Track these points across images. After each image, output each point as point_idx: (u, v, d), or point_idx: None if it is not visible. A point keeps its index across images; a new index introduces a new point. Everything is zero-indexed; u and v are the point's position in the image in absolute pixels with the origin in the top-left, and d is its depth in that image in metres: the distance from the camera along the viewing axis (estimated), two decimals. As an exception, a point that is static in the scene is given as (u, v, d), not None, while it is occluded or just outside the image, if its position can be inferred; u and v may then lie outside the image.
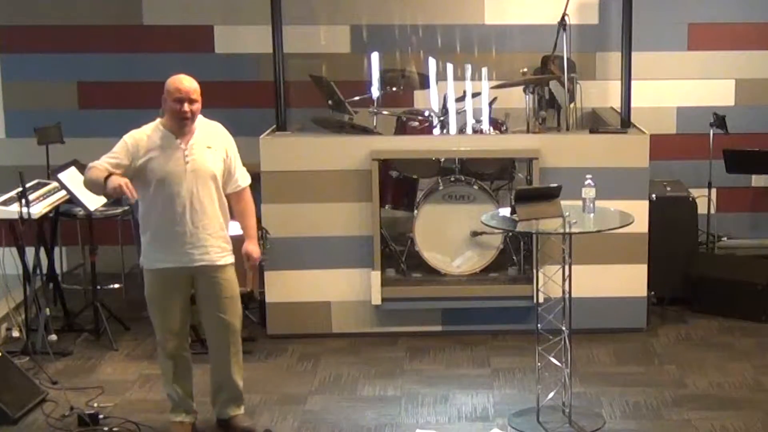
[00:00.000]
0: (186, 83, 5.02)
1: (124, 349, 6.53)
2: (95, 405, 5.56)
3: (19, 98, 8.06)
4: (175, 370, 5.23)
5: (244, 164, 7.67)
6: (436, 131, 6.85)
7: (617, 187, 6.33)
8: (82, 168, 6.64)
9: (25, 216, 6.10)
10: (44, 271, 6.68)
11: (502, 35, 7.97)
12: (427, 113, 6.96)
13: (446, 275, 6.67)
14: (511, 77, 7.25)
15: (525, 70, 7.11)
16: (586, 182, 5.39)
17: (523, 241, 6.77)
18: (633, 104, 6.83)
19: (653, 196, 6.91)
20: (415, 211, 6.71)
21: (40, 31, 8.00)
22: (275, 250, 6.53)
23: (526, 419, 5.38)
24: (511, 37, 7.96)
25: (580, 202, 5.42)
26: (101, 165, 4.98)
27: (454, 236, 6.65)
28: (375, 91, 6.99)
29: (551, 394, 5.36)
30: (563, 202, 5.32)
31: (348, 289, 6.61)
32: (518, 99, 7.13)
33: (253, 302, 6.72)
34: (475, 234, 6.60)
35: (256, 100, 7.79)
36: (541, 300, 5.55)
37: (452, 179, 6.75)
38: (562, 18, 7.00)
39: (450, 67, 6.87)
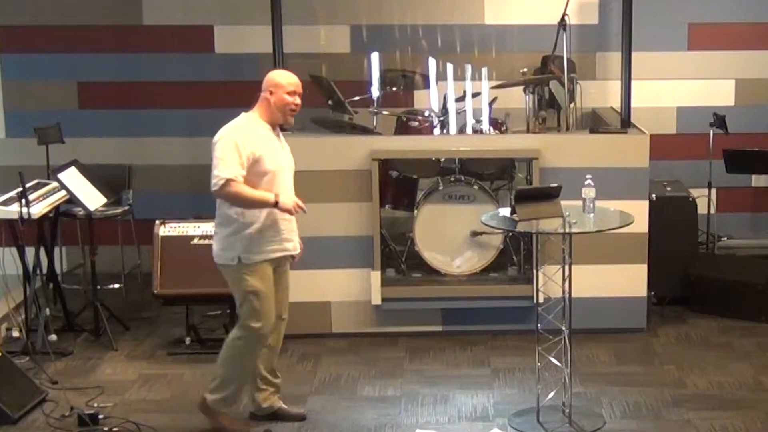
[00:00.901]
0: (295, 80, 5.19)
1: (124, 349, 6.53)
2: (95, 405, 5.56)
3: (19, 98, 8.06)
4: (264, 361, 5.33)
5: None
6: (436, 131, 6.85)
7: (617, 187, 6.34)
8: (82, 168, 6.67)
9: (25, 216, 6.10)
10: (44, 271, 6.68)
11: (502, 35, 7.98)
12: (427, 113, 6.96)
13: (446, 275, 6.67)
14: (511, 77, 7.25)
15: (525, 70, 7.11)
16: (586, 182, 5.39)
17: (523, 241, 6.77)
18: (633, 104, 6.84)
19: (653, 196, 6.91)
20: (415, 211, 6.72)
21: (40, 31, 8.00)
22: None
23: (526, 419, 5.38)
24: (511, 37, 7.97)
25: (580, 202, 5.42)
26: (245, 186, 5.04)
27: (454, 236, 6.65)
28: (375, 91, 6.99)
29: (551, 394, 5.36)
30: (563, 202, 5.32)
31: (348, 289, 6.61)
32: (518, 99, 7.13)
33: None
34: (475, 234, 6.60)
35: (256, 100, 7.76)
36: (541, 300, 5.55)
37: (452, 179, 6.75)
38: (562, 18, 7.00)
39: (450, 67, 6.87)
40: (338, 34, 8.00)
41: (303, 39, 7.73)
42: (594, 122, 7.51)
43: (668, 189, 7.30)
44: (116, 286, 7.50)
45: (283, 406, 5.46)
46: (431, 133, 6.84)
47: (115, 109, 8.09)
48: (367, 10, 7.98)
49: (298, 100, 5.14)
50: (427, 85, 7.03)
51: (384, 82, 7.14)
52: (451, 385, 5.88)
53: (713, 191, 7.64)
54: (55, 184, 6.54)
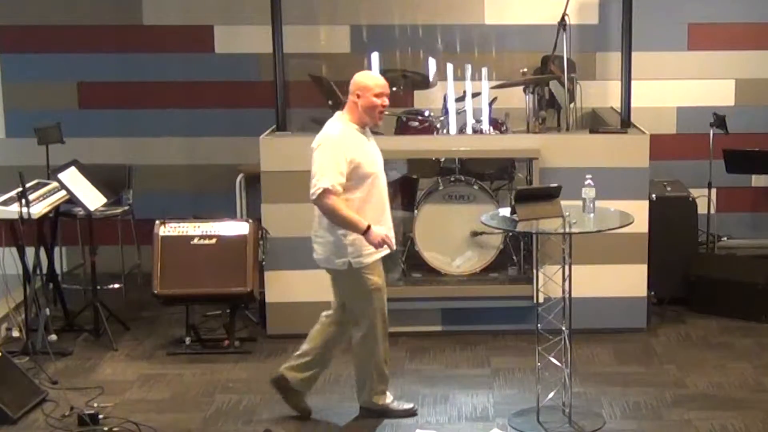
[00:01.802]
0: (383, 81, 5.22)
1: (124, 349, 6.53)
2: (95, 405, 5.55)
3: (19, 98, 8.06)
4: (387, 351, 5.41)
5: (241, 164, 7.73)
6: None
7: (617, 187, 6.33)
8: (82, 168, 6.66)
9: (25, 216, 6.09)
10: (44, 271, 6.68)
11: (502, 35, 7.98)
12: (427, 113, 6.96)
13: (446, 275, 6.68)
14: (511, 77, 7.25)
15: (525, 70, 7.11)
16: (586, 182, 5.39)
17: (523, 241, 6.77)
18: (633, 104, 6.83)
19: (653, 196, 6.90)
20: (415, 211, 6.72)
21: (40, 31, 8.00)
22: (275, 250, 6.54)
23: (526, 419, 5.38)
24: (511, 37, 7.97)
25: (580, 202, 5.42)
26: (342, 204, 5.05)
27: (454, 236, 6.65)
28: (375, 91, 6.97)
29: (551, 394, 5.36)
30: (563, 202, 5.32)
31: (348, 289, 6.60)
32: (518, 99, 7.13)
33: (253, 302, 6.72)
34: (475, 234, 6.60)
35: (256, 100, 7.79)
36: (541, 300, 5.55)
37: (452, 179, 6.75)
38: (562, 18, 7.00)
39: (450, 67, 6.87)
40: (338, 34, 8.00)
41: (303, 39, 7.73)
42: (594, 122, 7.51)
43: (668, 189, 7.30)
44: (116, 286, 7.50)
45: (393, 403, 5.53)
46: (431, 133, 6.84)
47: (115, 109, 8.09)
48: (367, 10, 7.97)
49: (386, 101, 5.18)
50: (427, 85, 7.03)
51: (384, 82, 7.13)
52: (451, 385, 5.88)
53: (713, 191, 7.63)
54: (55, 184, 6.53)
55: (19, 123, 7.89)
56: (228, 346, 6.44)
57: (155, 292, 6.42)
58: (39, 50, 8.01)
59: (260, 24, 7.17)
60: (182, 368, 6.20)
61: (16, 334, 6.59)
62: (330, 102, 6.92)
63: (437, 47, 7.82)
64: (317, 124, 6.87)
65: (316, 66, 7.70)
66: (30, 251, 6.43)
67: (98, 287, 6.74)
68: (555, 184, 5.38)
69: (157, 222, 6.53)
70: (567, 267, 5.25)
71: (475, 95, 6.82)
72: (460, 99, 6.93)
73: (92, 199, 6.54)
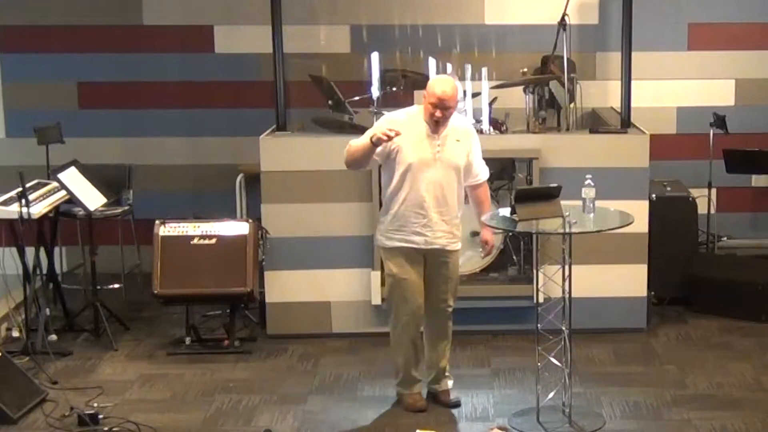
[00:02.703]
0: (442, 91, 5.23)
1: (124, 349, 6.53)
2: (95, 405, 5.55)
3: (19, 98, 8.06)
4: (414, 352, 5.53)
5: (241, 164, 7.73)
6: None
7: (617, 187, 6.33)
8: (82, 168, 6.66)
9: (25, 216, 6.09)
10: (44, 271, 6.68)
11: (502, 35, 7.98)
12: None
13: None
14: (511, 77, 7.25)
15: (525, 70, 7.11)
16: (586, 182, 5.39)
17: (523, 241, 6.77)
18: (633, 104, 6.83)
19: (653, 196, 6.90)
20: (415, 211, 6.70)
21: (40, 31, 8.00)
22: (275, 250, 6.54)
23: (526, 419, 5.38)
24: (511, 37, 7.96)
25: (580, 202, 5.42)
26: (353, 141, 5.35)
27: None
28: (375, 91, 6.98)
29: (551, 394, 5.36)
30: (563, 202, 5.32)
31: (348, 289, 6.61)
32: (518, 99, 7.13)
33: (253, 302, 6.72)
34: (475, 234, 6.58)
35: (256, 100, 7.79)
36: (541, 300, 5.55)
37: (452, 179, 6.74)
38: (562, 18, 7.00)
39: (450, 67, 6.87)
40: (338, 34, 8.00)
41: (303, 39, 7.73)
42: (594, 122, 7.50)
43: (668, 189, 7.30)
44: (116, 286, 7.49)
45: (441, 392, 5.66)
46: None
47: (115, 109, 8.08)
48: (367, 10, 7.97)
49: (438, 114, 5.22)
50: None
51: (384, 82, 7.13)
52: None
53: (713, 191, 7.63)
54: (55, 184, 6.53)
55: (19, 123, 7.89)
56: (228, 346, 6.44)
57: (155, 292, 6.42)
58: (39, 50, 8.01)
59: (260, 24, 7.17)
60: (182, 368, 6.20)
61: (16, 334, 6.59)
62: (330, 102, 6.93)
63: (437, 47, 7.81)
64: (317, 124, 6.91)
65: (316, 66, 7.69)
66: (30, 251, 6.43)
67: (98, 287, 6.74)
68: (555, 184, 5.38)
69: (157, 222, 6.53)
70: (567, 267, 5.24)
71: (475, 95, 6.82)
72: (460, 99, 6.91)
73: (92, 199, 6.54)
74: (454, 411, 5.55)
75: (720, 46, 8.06)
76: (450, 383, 5.68)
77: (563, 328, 5.28)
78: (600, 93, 7.82)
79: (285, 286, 6.62)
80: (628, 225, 5.34)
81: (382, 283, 6.51)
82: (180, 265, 6.40)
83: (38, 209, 6.25)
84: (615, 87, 7.06)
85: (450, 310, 5.57)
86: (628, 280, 6.63)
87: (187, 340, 6.50)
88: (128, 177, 7.60)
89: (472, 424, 5.41)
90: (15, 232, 6.27)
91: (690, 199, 7.20)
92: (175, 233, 6.48)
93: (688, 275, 7.11)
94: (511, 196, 5.71)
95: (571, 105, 7.14)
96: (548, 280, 5.49)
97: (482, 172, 5.55)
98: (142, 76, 8.03)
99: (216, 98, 8.04)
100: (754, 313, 6.89)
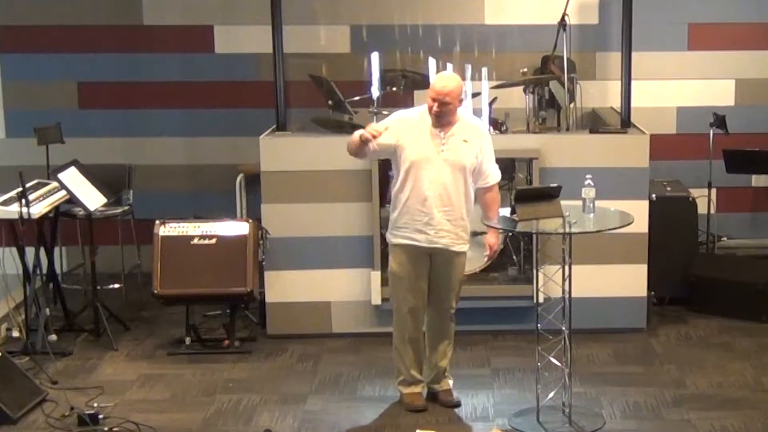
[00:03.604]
0: (441, 85, 5.28)
1: (124, 349, 6.53)
2: (95, 405, 5.54)
3: (19, 98, 8.06)
4: (414, 351, 5.53)
5: (241, 164, 7.72)
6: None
7: (617, 187, 6.33)
8: (82, 168, 6.67)
9: (25, 216, 6.10)
10: (44, 271, 6.68)
11: (502, 35, 7.97)
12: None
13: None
14: (511, 77, 7.25)
15: (525, 70, 7.11)
16: (586, 182, 5.39)
17: (523, 241, 6.77)
18: (633, 104, 6.83)
19: (653, 196, 6.90)
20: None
21: (40, 31, 8.00)
22: (275, 250, 6.54)
23: (526, 419, 5.38)
24: (511, 37, 7.96)
25: (580, 202, 5.42)
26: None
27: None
28: (375, 91, 6.98)
29: (551, 394, 5.36)
30: (563, 202, 5.32)
31: (348, 289, 6.61)
32: (518, 99, 7.13)
33: (253, 302, 6.72)
34: (475, 234, 6.59)
35: (256, 100, 7.79)
36: (541, 300, 5.55)
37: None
38: (562, 18, 7.00)
39: (450, 67, 6.86)
40: (338, 34, 8.00)
41: (303, 39, 7.73)
42: (594, 122, 7.50)
43: (668, 189, 7.30)
44: (116, 286, 7.49)
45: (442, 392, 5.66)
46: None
47: (115, 109, 8.08)
48: (367, 10, 7.97)
49: (436, 108, 5.24)
50: (428, 85, 7.00)
51: (384, 82, 7.13)
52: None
53: (713, 191, 7.63)
54: (55, 184, 6.53)
55: (19, 123, 7.89)
56: (228, 346, 6.44)
57: (155, 292, 6.42)
58: (39, 50, 8.01)
59: (260, 24, 7.17)
60: (182, 368, 6.20)
61: (16, 334, 6.59)
62: (330, 102, 6.93)
63: (437, 47, 7.81)
64: (317, 124, 6.91)
65: (316, 66, 7.69)
66: (30, 251, 6.43)
67: (98, 287, 6.74)
68: (555, 184, 5.38)
69: (157, 222, 6.53)
70: (567, 267, 5.24)
71: (475, 95, 6.82)
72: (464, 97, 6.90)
73: (92, 199, 6.54)
74: (454, 411, 5.55)
75: (720, 46, 8.06)
76: (450, 383, 5.68)
77: (563, 328, 5.28)
78: (600, 93, 7.83)
79: (285, 286, 6.62)
80: (628, 225, 5.35)
81: (383, 283, 6.54)
82: (180, 265, 6.40)
83: (38, 209, 6.25)
84: (615, 87, 7.06)
85: (452, 311, 5.58)
86: (628, 280, 6.63)
87: (187, 340, 6.50)
88: (128, 177, 7.59)
89: (472, 424, 5.41)
90: (15, 232, 6.27)
91: (690, 199, 7.20)
92: (175, 233, 6.49)
93: (688, 275, 7.11)
94: (511, 196, 5.70)
95: (571, 105, 7.15)
96: (548, 280, 5.49)
97: (492, 175, 5.50)
98: (142, 76, 8.03)
99: (216, 98, 8.04)
100: (754, 313, 6.89)
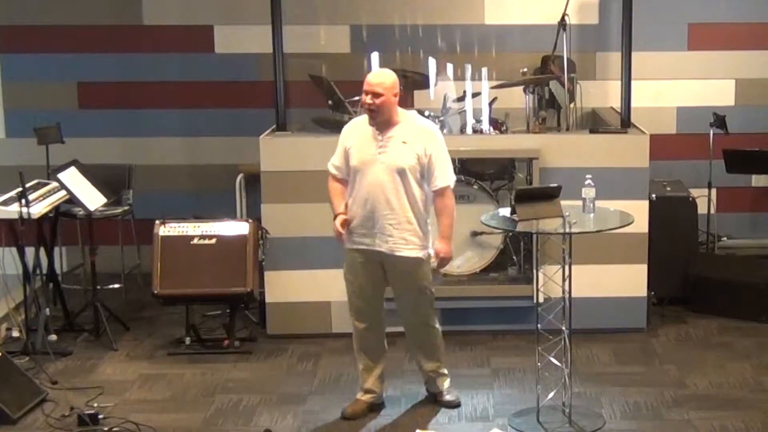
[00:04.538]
0: (374, 77, 5.23)
1: (124, 349, 6.53)
2: (95, 405, 5.55)
3: (19, 98, 8.06)
4: (364, 348, 5.49)
5: (241, 164, 7.72)
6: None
7: (617, 187, 6.34)
8: (82, 168, 6.67)
9: (25, 216, 6.10)
10: (44, 271, 6.68)
11: (502, 35, 7.97)
12: (427, 114, 6.95)
13: (446, 275, 6.67)
14: (511, 77, 7.25)
15: (525, 70, 7.11)
16: (586, 182, 5.39)
17: (523, 241, 6.77)
18: (633, 104, 6.83)
19: (653, 196, 6.90)
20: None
21: (40, 31, 8.00)
22: (275, 250, 6.54)
23: (526, 419, 5.38)
24: (511, 37, 7.96)
25: (580, 202, 5.42)
26: (334, 186, 5.42)
27: (454, 236, 6.62)
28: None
29: (551, 394, 5.36)
30: (563, 202, 5.32)
31: (348, 289, 6.61)
32: (518, 99, 7.13)
33: (253, 302, 6.72)
34: (475, 234, 6.60)
35: (256, 100, 7.79)
36: (541, 300, 5.55)
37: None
38: (562, 18, 7.00)
39: (450, 67, 6.87)
40: (338, 34, 8.00)
41: (303, 39, 7.73)
42: (594, 122, 7.51)
43: (668, 189, 7.30)
44: (116, 286, 7.50)
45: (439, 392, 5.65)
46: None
47: (115, 109, 8.08)
48: (367, 10, 7.97)
49: (370, 99, 5.14)
50: (427, 85, 7.02)
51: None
52: (451, 385, 5.87)
53: (713, 191, 7.63)
54: (55, 184, 6.54)
55: (19, 123, 7.89)
56: (228, 346, 6.44)
57: (155, 292, 6.42)
58: (39, 50, 8.01)
59: (260, 24, 7.17)
60: (182, 368, 6.20)
61: (16, 334, 6.59)
62: (330, 102, 6.93)
63: (437, 47, 7.81)
64: (317, 124, 6.91)
65: (316, 66, 7.69)
66: (30, 251, 6.43)
67: (98, 287, 6.74)
68: (555, 184, 5.38)
69: (157, 222, 6.53)
70: (567, 267, 5.24)
71: (475, 95, 6.82)
72: (460, 99, 6.92)
73: (92, 199, 6.54)
74: (454, 411, 5.55)
75: (720, 46, 8.06)
76: (447, 383, 5.66)
77: (563, 328, 5.28)
78: (600, 93, 7.83)
79: (285, 286, 6.62)
80: (628, 225, 5.35)
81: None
82: (180, 265, 6.40)
83: (38, 209, 6.25)
84: (615, 87, 7.06)
85: (431, 323, 5.50)
86: (628, 280, 6.63)
87: (187, 340, 6.50)
88: (128, 177, 7.59)
89: (472, 424, 5.41)
90: (15, 232, 6.27)
91: (690, 199, 7.20)
92: (175, 233, 6.49)
93: (688, 275, 7.11)
94: (511, 196, 5.71)
95: (571, 105, 7.15)
96: (548, 280, 5.49)
97: (441, 178, 5.22)
98: (142, 76, 8.03)
99: (216, 98, 8.04)
100: (754, 313, 6.89)
